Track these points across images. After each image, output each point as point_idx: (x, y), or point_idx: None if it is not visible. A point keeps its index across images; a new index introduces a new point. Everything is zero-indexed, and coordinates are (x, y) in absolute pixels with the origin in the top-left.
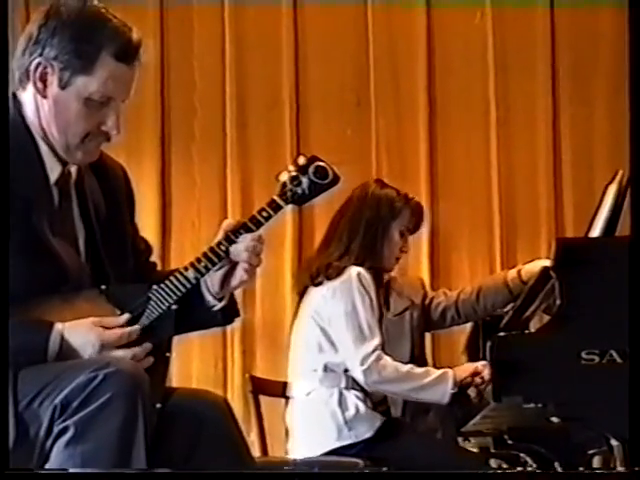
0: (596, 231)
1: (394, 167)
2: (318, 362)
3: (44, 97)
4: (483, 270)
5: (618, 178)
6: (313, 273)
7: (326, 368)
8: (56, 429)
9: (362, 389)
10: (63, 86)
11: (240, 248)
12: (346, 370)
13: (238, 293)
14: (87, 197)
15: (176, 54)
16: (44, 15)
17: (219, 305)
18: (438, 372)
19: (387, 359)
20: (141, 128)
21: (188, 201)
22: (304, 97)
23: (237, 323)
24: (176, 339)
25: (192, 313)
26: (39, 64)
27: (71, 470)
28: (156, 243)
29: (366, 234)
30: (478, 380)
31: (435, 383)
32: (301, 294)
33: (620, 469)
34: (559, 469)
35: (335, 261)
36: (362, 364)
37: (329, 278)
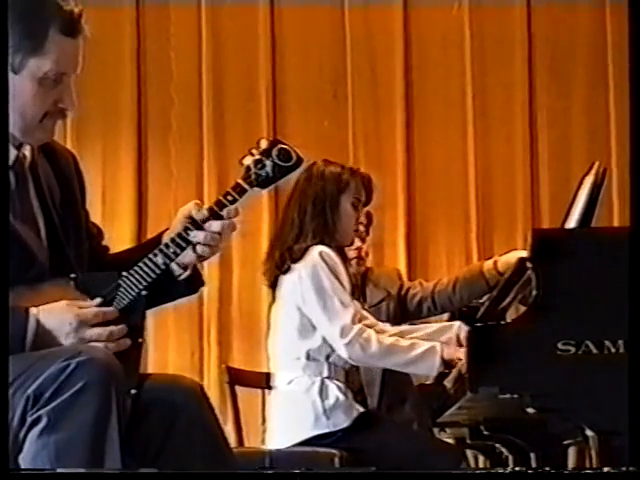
0: (572, 222)
1: (371, 159)
2: (300, 349)
3: None
4: (460, 261)
5: (594, 170)
6: (278, 261)
7: (308, 356)
8: (29, 419)
9: (344, 379)
10: (16, 70)
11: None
12: (328, 357)
13: (215, 283)
14: (42, 180)
15: (153, 44)
16: None
17: (184, 274)
18: (425, 346)
19: (370, 332)
20: (118, 119)
21: (164, 192)
22: (281, 89)
23: (213, 314)
24: (152, 329)
25: (157, 283)
26: None
27: (71, 470)
28: (132, 233)
29: (315, 211)
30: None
31: (422, 357)
32: (272, 285)
33: (607, 468)
34: (534, 460)
35: (294, 244)
36: (342, 336)
37: (294, 261)
